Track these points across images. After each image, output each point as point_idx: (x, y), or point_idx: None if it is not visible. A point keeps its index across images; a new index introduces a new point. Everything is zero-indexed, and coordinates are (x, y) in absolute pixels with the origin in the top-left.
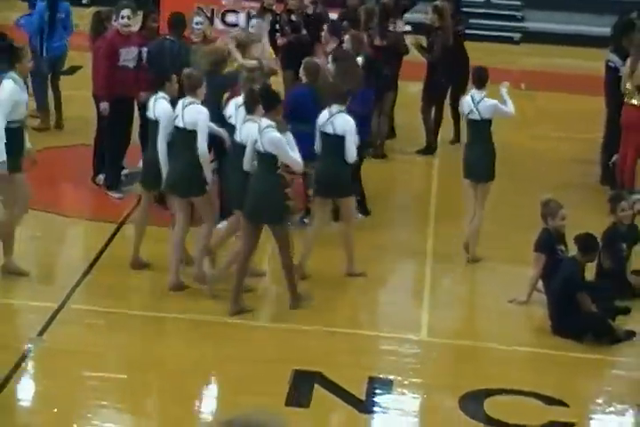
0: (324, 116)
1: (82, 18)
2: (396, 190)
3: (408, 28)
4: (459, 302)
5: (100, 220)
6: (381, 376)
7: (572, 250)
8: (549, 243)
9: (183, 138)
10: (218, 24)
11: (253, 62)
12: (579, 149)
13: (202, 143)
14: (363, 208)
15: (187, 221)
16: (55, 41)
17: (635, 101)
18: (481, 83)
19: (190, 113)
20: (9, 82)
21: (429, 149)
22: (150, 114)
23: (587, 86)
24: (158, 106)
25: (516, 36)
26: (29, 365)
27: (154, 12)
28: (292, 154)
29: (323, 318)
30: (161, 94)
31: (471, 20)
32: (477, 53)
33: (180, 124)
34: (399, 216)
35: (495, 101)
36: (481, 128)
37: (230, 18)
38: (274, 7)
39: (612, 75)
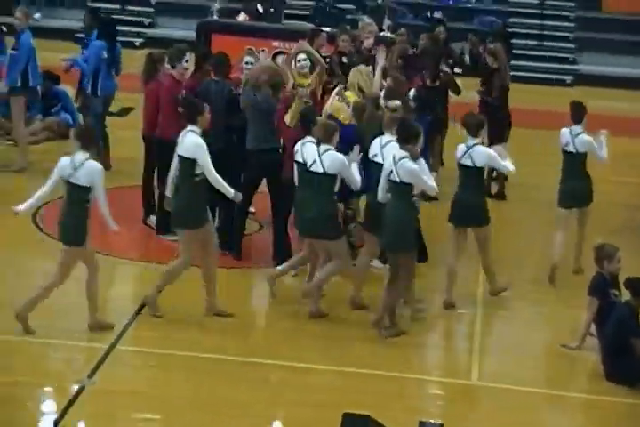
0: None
1: (132, 60)
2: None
3: (457, 69)
4: (509, 346)
5: (151, 261)
6: (432, 421)
7: (626, 295)
8: (603, 287)
9: (321, 182)
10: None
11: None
12: (634, 193)
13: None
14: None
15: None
16: (108, 81)
17: None
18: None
19: (329, 159)
20: None
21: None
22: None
23: None
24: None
25: (569, 78)
26: (80, 406)
27: (208, 53)
28: (428, 181)
29: (373, 361)
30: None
31: (523, 62)
32: (531, 96)
33: (320, 170)
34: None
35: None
36: (577, 161)
37: (280, 60)
38: (323, 49)
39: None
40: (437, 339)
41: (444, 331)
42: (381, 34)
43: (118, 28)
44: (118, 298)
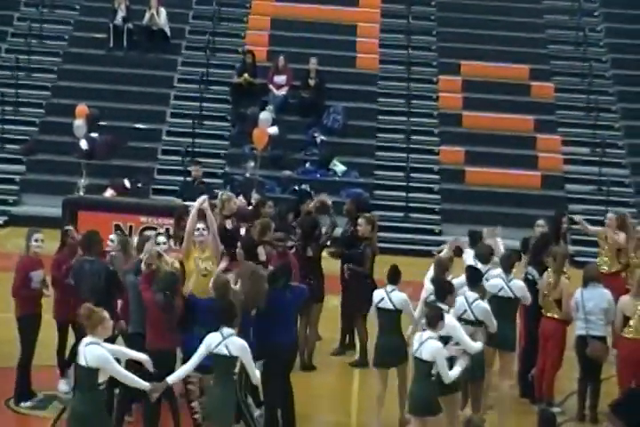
0: None
1: None
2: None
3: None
4: None
5: None
6: None
7: None
8: None
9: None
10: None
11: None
12: None
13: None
14: None
15: None
16: None
17: (554, 315)
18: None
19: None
20: None
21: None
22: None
23: None
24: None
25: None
26: None
27: (70, 230)
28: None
29: None
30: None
31: (388, 234)
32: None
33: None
34: None
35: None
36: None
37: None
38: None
39: (530, 288)
40: None
41: None
42: (249, 208)
43: None
44: None
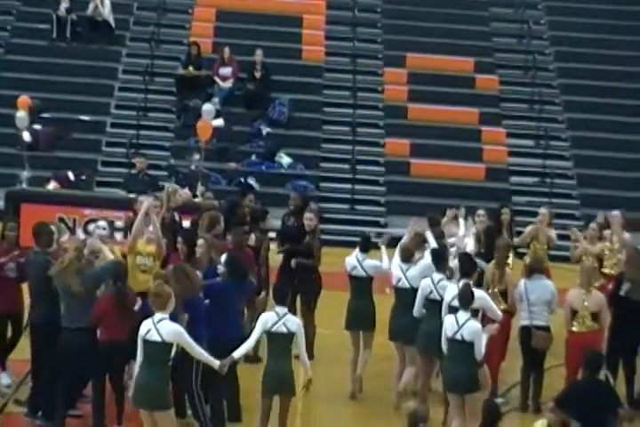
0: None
1: None
2: None
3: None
4: None
5: None
6: None
7: None
8: None
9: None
10: (80, 234)
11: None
12: None
13: None
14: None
15: None
16: None
17: (500, 306)
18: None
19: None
20: None
21: None
22: None
23: None
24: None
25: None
26: None
27: (12, 220)
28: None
29: None
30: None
31: (334, 226)
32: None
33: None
34: None
35: None
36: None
37: (92, 227)
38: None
39: (480, 280)
40: None
41: None
42: (196, 200)
43: None
44: None
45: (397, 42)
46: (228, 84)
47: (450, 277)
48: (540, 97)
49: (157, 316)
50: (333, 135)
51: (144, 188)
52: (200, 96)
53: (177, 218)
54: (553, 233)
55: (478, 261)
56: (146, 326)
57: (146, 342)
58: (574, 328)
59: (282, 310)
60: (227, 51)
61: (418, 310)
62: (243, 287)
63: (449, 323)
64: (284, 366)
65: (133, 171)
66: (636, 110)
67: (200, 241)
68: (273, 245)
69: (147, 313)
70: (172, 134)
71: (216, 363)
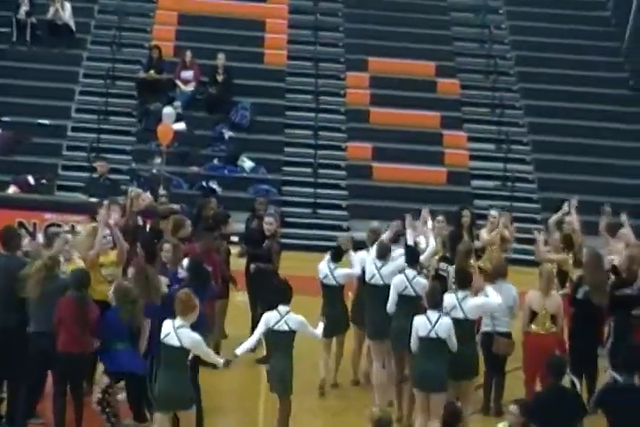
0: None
1: None
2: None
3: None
4: None
5: None
6: None
7: None
8: None
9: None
10: (40, 238)
11: None
12: None
13: None
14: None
15: None
16: None
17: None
18: None
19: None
20: None
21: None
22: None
23: None
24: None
25: None
26: None
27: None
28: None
29: None
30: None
31: (296, 230)
32: (306, 264)
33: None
34: None
35: None
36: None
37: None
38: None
39: (444, 282)
40: None
41: None
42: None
43: None
44: None
45: (359, 46)
46: (189, 88)
47: (419, 273)
48: (501, 101)
49: (178, 321)
50: (296, 139)
51: (105, 192)
52: (161, 100)
53: (140, 222)
54: (507, 233)
55: (445, 265)
56: (166, 329)
57: (164, 345)
58: (533, 329)
59: (284, 308)
60: (188, 54)
61: (391, 306)
62: (205, 292)
63: (420, 322)
64: (285, 364)
65: (94, 175)
66: (596, 115)
67: (166, 245)
68: (235, 250)
69: (110, 324)
70: (133, 138)
71: (220, 362)
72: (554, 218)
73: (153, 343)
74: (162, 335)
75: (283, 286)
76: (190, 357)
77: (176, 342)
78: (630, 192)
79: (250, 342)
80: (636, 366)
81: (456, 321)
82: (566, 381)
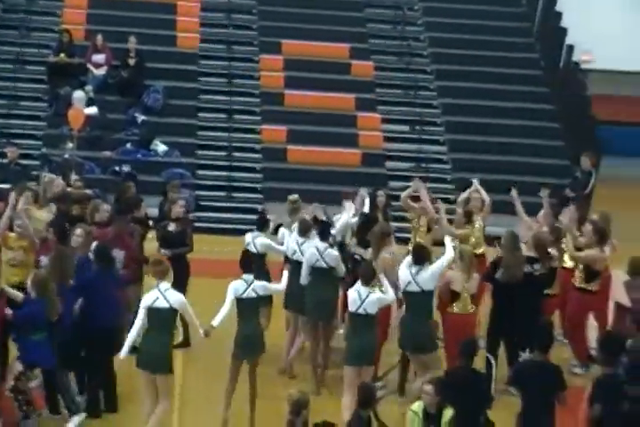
0: None
1: None
2: None
3: None
4: None
5: None
6: None
7: None
8: None
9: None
10: None
11: None
12: None
13: None
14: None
15: None
16: None
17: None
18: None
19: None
20: None
21: None
22: None
23: None
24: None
25: None
26: None
27: None
28: None
29: None
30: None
31: (211, 214)
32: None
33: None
34: None
35: None
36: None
37: None
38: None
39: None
40: None
41: None
42: (68, 189)
43: None
44: None
45: (273, 28)
46: (101, 72)
47: (332, 246)
48: (415, 83)
49: (163, 285)
50: (209, 122)
51: (15, 177)
52: (72, 84)
53: (54, 208)
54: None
55: (355, 248)
56: (152, 295)
57: (152, 309)
58: (455, 309)
59: (248, 276)
60: (99, 38)
61: (305, 277)
62: (111, 274)
63: (351, 298)
64: (255, 329)
65: (4, 160)
66: (510, 95)
67: (78, 230)
68: (151, 234)
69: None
70: (43, 123)
71: (200, 331)
72: (462, 196)
73: (64, 325)
74: (149, 302)
75: (243, 255)
76: None
77: (165, 304)
78: (539, 171)
79: (222, 312)
80: (548, 343)
81: (412, 295)
82: (483, 359)
